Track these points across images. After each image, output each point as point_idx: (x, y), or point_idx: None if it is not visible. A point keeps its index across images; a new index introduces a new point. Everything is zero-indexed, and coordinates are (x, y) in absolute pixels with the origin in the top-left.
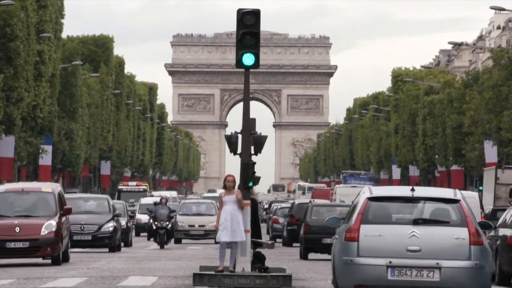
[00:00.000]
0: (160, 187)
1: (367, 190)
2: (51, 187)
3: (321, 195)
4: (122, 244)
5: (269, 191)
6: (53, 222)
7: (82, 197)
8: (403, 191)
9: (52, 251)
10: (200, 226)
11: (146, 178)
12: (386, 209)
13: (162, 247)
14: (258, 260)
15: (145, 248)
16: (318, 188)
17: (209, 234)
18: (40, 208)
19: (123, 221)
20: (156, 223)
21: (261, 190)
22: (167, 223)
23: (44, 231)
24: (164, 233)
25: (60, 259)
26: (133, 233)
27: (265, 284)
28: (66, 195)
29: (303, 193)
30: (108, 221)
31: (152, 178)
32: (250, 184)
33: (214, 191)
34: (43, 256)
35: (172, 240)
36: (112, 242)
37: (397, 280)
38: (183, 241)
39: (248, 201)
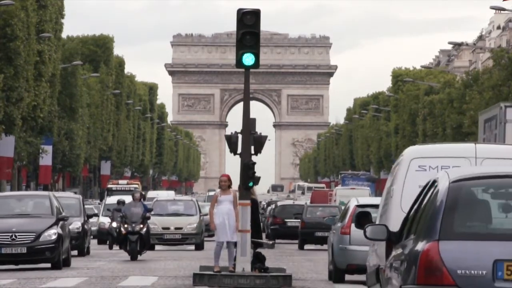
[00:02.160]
0: (160, 187)
1: (355, 200)
2: None
3: (320, 196)
4: (77, 252)
5: (268, 191)
6: None
7: (14, 195)
8: (379, 200)
9: None
10: (176, 228)
11: (146, 178)
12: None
13: (134, 258)
14: (258, 260)
15: (109, 258)
16: (317, 189)
17: (187, 239)
18: None
19: (77, 223)
20: (126, 226)
21: (261, 190)
22: (141, 226)
23: None
24: (137, 239)
25: None
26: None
27: (265, 284)
28: None
29: (303, 193)
30: (50, 226)
31: (152, 178)
32: (250, 184)
33: (214, 191)
34: None
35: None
36: (55, 255)
37: None
38: (157, 247)
39: (248, 201)
